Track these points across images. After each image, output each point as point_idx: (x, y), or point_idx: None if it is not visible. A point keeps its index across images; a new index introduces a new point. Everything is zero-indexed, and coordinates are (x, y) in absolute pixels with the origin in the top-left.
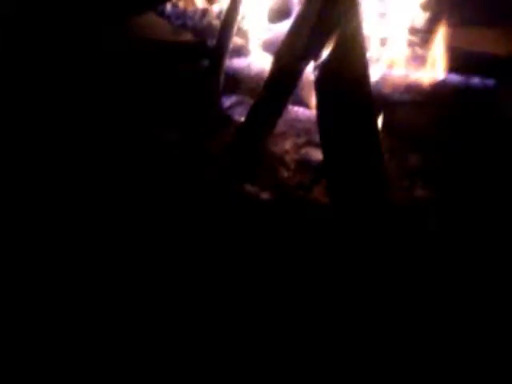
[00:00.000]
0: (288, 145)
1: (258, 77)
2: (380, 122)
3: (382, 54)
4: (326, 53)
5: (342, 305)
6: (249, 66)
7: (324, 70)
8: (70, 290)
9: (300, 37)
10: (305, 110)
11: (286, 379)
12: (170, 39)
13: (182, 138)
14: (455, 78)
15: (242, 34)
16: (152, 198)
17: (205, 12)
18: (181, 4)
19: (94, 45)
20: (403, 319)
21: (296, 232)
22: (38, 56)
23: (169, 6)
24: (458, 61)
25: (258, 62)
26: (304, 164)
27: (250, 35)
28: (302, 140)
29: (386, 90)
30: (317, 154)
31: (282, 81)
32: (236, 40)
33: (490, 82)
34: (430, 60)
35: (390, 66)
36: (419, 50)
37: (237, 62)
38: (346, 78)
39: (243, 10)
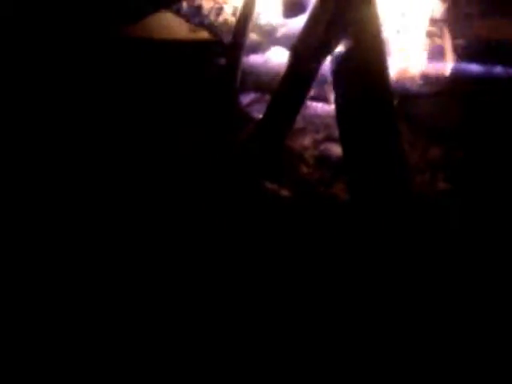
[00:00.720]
0: (307, 140)
1: (275, 73)
2: (398, 113)
3: (402, 45)
4: (342, 46)
5: (359, 300)
6: (266, 62)
7: (341, 63)
8: (76, 287)
9: (316, 31)
10: (324, 105)
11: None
12: (187, 37)
13: (201, 135)
14: (477, 67)
15: (258, 30)
16: (173, 193)
17: (220, 9)
18: (197, 2)
19: (110, 45)
20: (421, 316)
21: (316, 228)
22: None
23: (185, 4)
24: (480, 50)
25: (275, 57)
26: (324, 160)
27: (266, 31)
28: (321, 135)
29: (406, 81)
30: (336, 150)
31: (299, 76)
32: (252, 36)
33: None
34: (449, 50)
35: (410, 58)
36: (439, 41)
37: (254, 59)
38: (364, 70)
39: (258, 6)
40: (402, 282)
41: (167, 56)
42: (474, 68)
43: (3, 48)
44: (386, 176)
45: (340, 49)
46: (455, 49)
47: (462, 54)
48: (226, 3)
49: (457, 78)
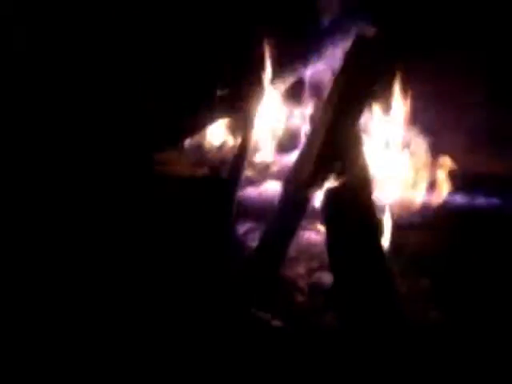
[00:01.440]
0: (301, 269)
1: (269, 204)
2: (389, 245)
3: (389, 178)
4: (331, 180)
5: None
6: (260, 194)
7: (329, 198)
8: None
9: (306, 166)
10: (317, 235)
11: None
12: (188, 174)
13: (199, 265)
14: (461, 198)
15: (254, 165)
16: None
17: (220, 148)
18: (198, 141)
19: (114, 181)
20: None
21: (307, 359)
22: None
23: (187, 143)
24: (463, 181)
25: (269, 190)
26: (317, 288)
27: (261, 167)
28: (315, 264)
29: (395, 213)
30: (330, 278)
31: (291, 208)
32: (248, 172)
33: (495, 200)
34: (435, 182)
35: (398, 190)
36: (426, 174)
37: (249, 192)
38: (352, 203)
39: (254, 144)
40: None
41: (170, 191)
42: (459, 199)
43: None
44: (376, 306)
45: (329, 184)
46: (449, 180)
47: (452, 186)
48: (224, 142)
49: (443, 208)
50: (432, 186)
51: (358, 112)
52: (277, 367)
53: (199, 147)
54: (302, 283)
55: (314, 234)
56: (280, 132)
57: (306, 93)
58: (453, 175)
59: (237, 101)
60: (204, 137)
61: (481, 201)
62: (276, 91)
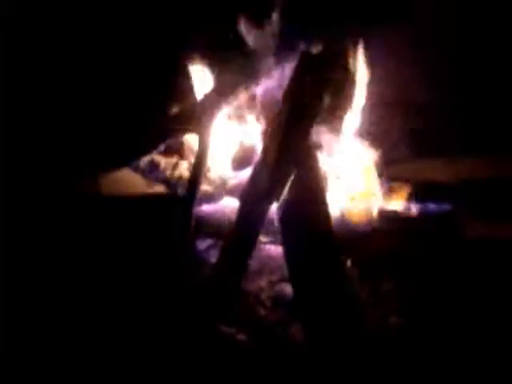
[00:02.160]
0: (263, 282)
1: (226, 220)
2: (347, 251)
3: (344, 188)
4: (286, 193)
5: None
6: (218, 210)
7: (285, 211)
8: None
9: (261, 181)
10: (277, 247)
11: None
12: (143, 193)
13: (156, 282)
14: (414, 206)
15: (210, 182)
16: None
17: (176, 165)
18: (154, 159)
19: (67, 201)
20: None
21: (273, 372)
22: None
23: (142, 162)
24: (416, 190)
25: (226, 206)
26: (279, 300)
27: (217, 183)
28: (276, 277)
29: (352, 222)
30: (291, 291)
31: (248, 222)
32: (205, 188)
33: (445, 206)
34: (389, 191)
35: (353, 200)
36: (379, 184)
37: (207, 208)
38: (307, 214)
39: (210, 161)
40: None
41: (125, 209)
42: (413, 206)
43: None
44: (337, 314)
45: (284, 197)
46: (404, 189)
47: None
48: (181, 159)
49: (398, 216)
50: (385, 194)
51: (308, 125)
52: (243, 381)
53: (155, 165)
54: (264, 296)
55: (274, 247)
56: (235, 148)
57: (259, 109)
58: (404, 183)
59: (190, 118)
60: (159, 155)
61: (433, 207)
62: (229, 109)
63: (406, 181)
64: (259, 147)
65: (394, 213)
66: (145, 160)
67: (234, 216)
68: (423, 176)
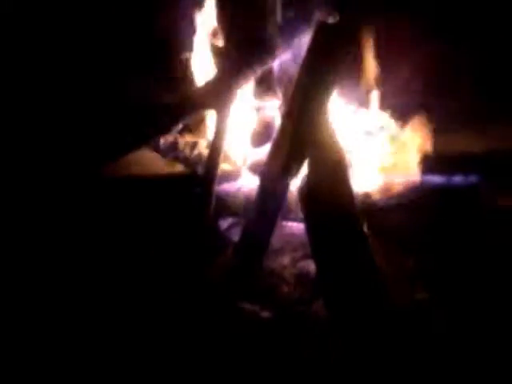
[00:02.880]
0: (286, 260)
1: (248, 198)
2: (369, 227)
3: (365, 162)
4: (306, 170)
5: None
6: (239, 189)
7: (305, 186)
8: None
9: (279, 157)
10: (299, 225)
11: None
12: (163, 172)
13: (180, 264)
14: (438, 179)
15: (230, 160)
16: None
17: (195, 144)
18: (173, 138)
19: (90, 184)
20: None
21: (297, 349)
22: None
23: (162, 141)
24: (440, 162)
25: (247, 184)
26: (303, 278)
27: (238, 161)
28: (299, 254)
29: (373, 196)
30: (315, 267)
31: (268, 200)
32: (225, 166)
33: (473, 178)
34: (411, 165)
35: (375, 174)
36: (401, 156)
37: (228, 187)
38: (328, 191)
39: (228, 139)
40: None
41: (146, 190)
42: (436, 179)
43: None
44: (361, 290)
45: (305, 174)
46: (420, 162)
47: (425, 167)
48: (200, 138)
49: (420, 189)
50: (409, 167)
51: (326, 97)
52: (266, 358)
53: (173, 144)
54: (287, 273)
55: (296, 224)
56: (254, 125)
57: (276, 84)
58: (428, 156)
59: (208, 96)
60: (177, 134)
61: (457, 180)
62: (246, 85)
63: (432, 152)
64: (278, 123)
65: (419, 185)
66: (164, 139)
67: (254, 194)
68: (453, 147)
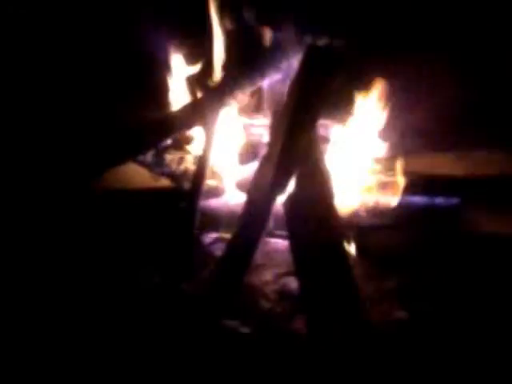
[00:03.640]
0: (268, 276)
1: (233, 214)
2: (353, 247)
3: (350, 183)
4: (292, 187)
5: None
6: (224, 204)
7: (290, 204)
8: None
9: (266, 174)
10: (284, 242)
11: None
12: (149, 186)
13: (163, 278)
14: (421, 199)
15: (217, 176)
16: (134, 338)
17: (182, 159)
18: (160, 153)
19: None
20: None
21: (276, 365)
22: None
23: (148, 155)
24: (422, 184)
25: (233, 200)
26: (284, 294)
27: (224, 177)
28: (281, 270)
29: (357, 216)
30: (297, 284)
31: (254, 216)
32: (212, 182)
33: (454, 200)
34: (395, 185)
35: (359, 194)
36: (385, 177)
37: (214, 202)
38: (313, 208)
39: (215, 154)
40: None
41: (131, 203)
42: (419, 200)
43: None
44: (339, 308)
45: (290, 190)
46: (404, 184)
47: (409, 188)
48: (187, 153)
49: (404, 209)
50: (391, 188)
51: (314, 118)
52: (245, 374)
53: (160, 159)
54: (269, 289)
55: (281, 240)
56: (241, 142)
57: (265, 103)
58: (411, 177)
59: (196, 112)
60: (164, 149)
61: (439, 201)
62: (235, 102)
63: (415, 175)
64: (265, 141)
65: (400, 206)
66: (151, 154)
67: (239, 210)
68: (433, 170)
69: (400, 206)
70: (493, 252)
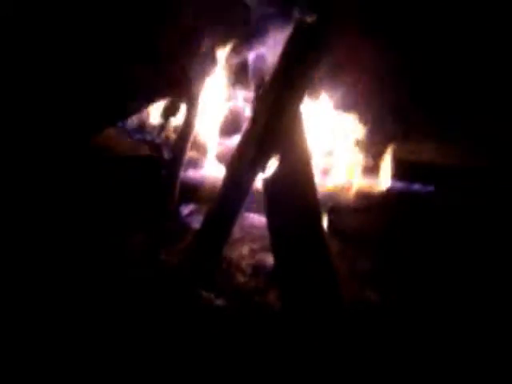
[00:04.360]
0: (244, 250)
1: (212, 187)
2: (327, 226)
3: (330, 164)
4: (272, 164)
5: None
6: (204, 176)
7: (271, 181)
8: None
9: (248, 149)
10: (260, 217)
11: None
12: (129, 154)
13: (141, 243)
14: (399, 184)
15: (198, 147)
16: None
17: (162, 127)
18: (141, 119)
19: (52, 163)
20: None
21: (249, 337)
22: None
23: (129, 122)
24: (402, 170)
25: (213, 173)
26: (259, 269)
27: (205, 149)
28: (257, 245)
29: (335, 197)
30: (272, 260)
31: (234, 190)
32: (192, 153)
33: (430, 187)
34: (376, 169)
35: (338, 175)
36: (365, 160)
37: (193, 173)
38: (293, 187)
39: (197, 125)
40: None
41: (110, 171)
42: (397, 185)
43: None
44: (314, 286)
45: (270, 167)
46: (391, 168)
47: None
48: (168, 121)
49: (381, 193)
50: (371, 171)
51: (299, 96)
52: (220, 346)
53: (141, 126)
54: (244, 264)
55: (258, 215)
56: (223, 114)
57: (250, 76)
58: (391, 162)
59: (179, 80)
60: (146, 117)
61: (417, 187)
62: (220, 73)
63: (396, 160)
64: (248, 114)
65: (379, 190)
66: (132, 120)
67: (219, 183)
68: (413, 157)
69: (378, 189)
70: (464, 237)
